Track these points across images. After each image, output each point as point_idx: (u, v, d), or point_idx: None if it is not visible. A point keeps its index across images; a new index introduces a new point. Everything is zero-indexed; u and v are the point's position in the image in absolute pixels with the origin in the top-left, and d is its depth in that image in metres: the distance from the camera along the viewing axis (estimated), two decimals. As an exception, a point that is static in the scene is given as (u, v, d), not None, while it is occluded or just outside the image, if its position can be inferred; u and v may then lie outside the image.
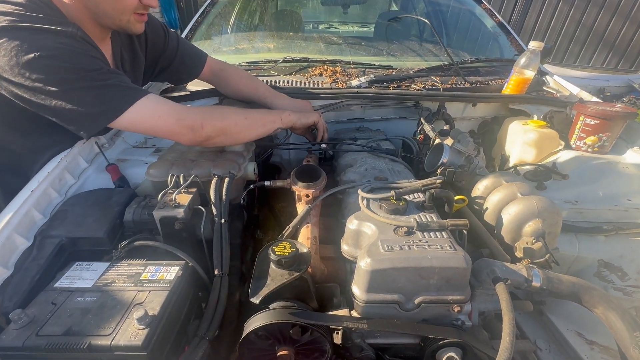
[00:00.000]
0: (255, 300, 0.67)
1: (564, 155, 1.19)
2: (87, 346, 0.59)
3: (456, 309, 0.69)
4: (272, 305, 0.71)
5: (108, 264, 0.76)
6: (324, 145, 1.22)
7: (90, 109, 0.83)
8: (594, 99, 1.39)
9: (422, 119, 1.32)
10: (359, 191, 0.86)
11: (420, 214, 0.80)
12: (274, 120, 1.10)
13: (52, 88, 0.79)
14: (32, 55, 0.77)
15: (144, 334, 0.60)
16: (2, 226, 0.76)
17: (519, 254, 0.82)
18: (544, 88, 1.57)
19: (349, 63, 1.57)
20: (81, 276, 0.73)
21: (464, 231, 0.78)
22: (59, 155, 0.95)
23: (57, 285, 0.71)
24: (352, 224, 0.80)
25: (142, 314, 0.61)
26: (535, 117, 1.37)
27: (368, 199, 0.84)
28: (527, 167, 1.19)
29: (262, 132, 1.08)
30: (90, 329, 0.61)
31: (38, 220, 0.84)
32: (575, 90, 1.50)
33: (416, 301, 0.69)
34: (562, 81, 1.58)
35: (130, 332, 0.61)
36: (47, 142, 0.99)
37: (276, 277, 0.69)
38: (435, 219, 0.78)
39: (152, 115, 0.88)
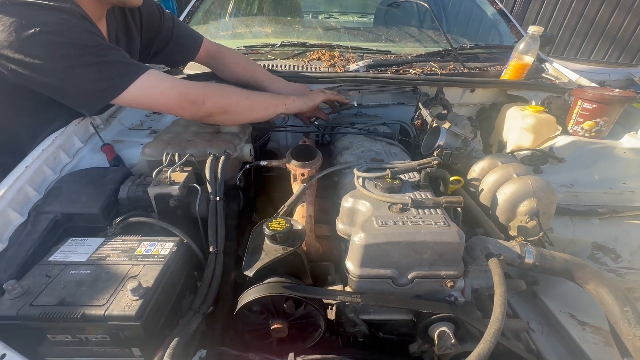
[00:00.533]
0: (249, 273, 0.67)
1: (560, 140, 1.19)
2: (80, 316, 0.59)
3: (449, 284, 0.70)
4: (266, 281, 0.71)
5: (102, 239, 0.76)
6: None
7: (93, 85, 0.83)
8: (593, 84, 1.39)
9: (420, 104, 1.31)
10: (355, 170, 0.86)
11: (415, 192, 0.80)
12: (277, 105, 1.09)
13: (53, 65, 0.79)
14: (32, 30, 0.76)
15: (137, 304, 0.61)
16: (-4, 201, 0.76)
17: (512, 232, 0.82)
18: (543, 75, 1.57)
19: (347, 48, 1.56)
20: (76, 251, 0.73)
21: (459, 209, 0.78)
22: (54, 134, 0.95)
23: (51, 259, 0.71)
24: (347, 202, 0.80)
25: (135, 285, 0.61)
26: (534, 103, 1.36)
27: (364, 178, 0.84)
28: (524, 152, 1.19)
29: (264, 115, 1.07)
30: (84, 300, 0.62)
31: (32, 197, 0.84)
32: (574, 77, 1.49)
33: (409, 276, 0.69)
34: (561, 68, 1.57)
35: (124, 303, 0.61)
36: (46, 121, 0.98)
37: (270, 251, 0.69)
38: (430, 197, 0.78)
39: (155, 90, 0.88)
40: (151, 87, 0.88)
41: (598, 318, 0.92)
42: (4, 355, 0.55)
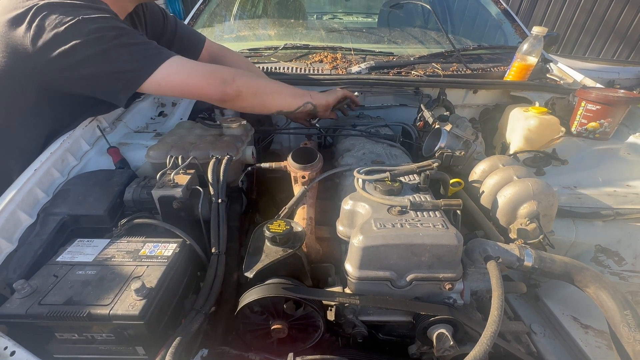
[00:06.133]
0: (249, 274, 0.68)
1: (564, 142, 1.18)
2: (86, 315, 0.61)
3: (447, 287, 0.70)
4: (266, 282, 0.72)
5: (108, 240, 0.78)
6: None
7: (128, 65, 0.86)
8: (598, 85, 1.37)
9: (422, 106, 1.32)
10: (355, 172, 0.87)
11: (414, 195, 0.81)
12: (303, 94, 1.08)
13: (90, 51, 0.82)
14: (76, 19, 0.81)
15: (141, 304, 0.62)
16: (6, 202, 0.78)
17: (512, 235, 0.82)
18: (548, 75, 1.55)
19: (350, 50, 1.57)
20: (82, 251, 0.75)
21: (458, 211, 0.78)
22: (62, 137, 0.97)
23: (59, 259, 0.73)
24: (347, 204, 0.80)
25: (139, 285, 0.63)
26: (537, 104, 1.36)
27: (363, 180, 0.85)
28: (527, 153, 1.18)
29: (291, 102, 1.05)
30: (90, 299, 0.63)
31: (41, 199, 0.86)
32: (579, 77, 1.48)
33: (408, 278, 0.70)
34: (566, 68, 1.55)
35: (128, 303, 0.63)
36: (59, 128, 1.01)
37: (270, 253, 0.71)
38: (429, 199, 0.78)
39: (184, 68, 0.90)
40: (181, 65, 0.89)
41: (601, 321, 0.91)
42: (13, 353, 0.57)
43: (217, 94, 0.93)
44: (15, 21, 0.82)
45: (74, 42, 0.81)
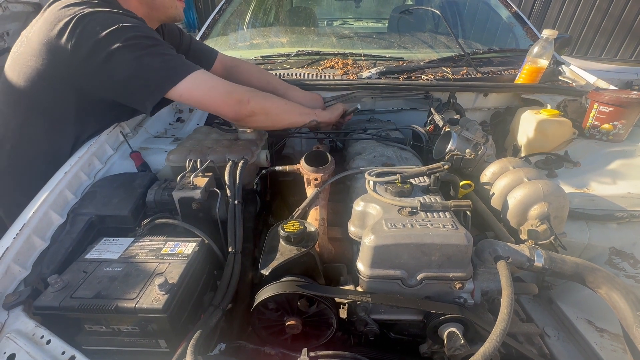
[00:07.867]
0: (265, 271, 0.71)
1: (576, 144, 1.18)
2: (114, 308, 0.65)
3: (458, 286, 0.71)
4: (281, 280, 0.75)
5: (132, 239, 0.83)
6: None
7: (158, 73, 0.92)
8: (611, 87, 1.36)
9: (432, 109, 1.33)
10: (366, 175, 0.89)
11: (424, 196, 0.83)
12: (309, 113, 1.19)
13: (129, 54, 0.89)
14: (116, 26, 0.88)
15: (164, 299, 0.66)
16: (40, 203, 0.84)
17: (523, 236, 0.83)
18: (560, 78, 1.55)
19: (360, 55, 1.60)
20: (108, 249, 0.80)
21: (468, 212, 0.79)
22: (88, 142, 1.04)
23: (87, 256, 0.78)
24: (358, 205, 0.83)
25: (162, 281, 0.67)
26: (549, 107, 1.35)
27: (374, 182, 0.87)
28: (539, 156, 1.18)
29: (298, 120, 1.16)
30: (117, 294, 0.68)
31: (70, 200, 0.92)
32: (592, 79, 1.47)
33: (418, 277, 0.71)
34: (578, 70, 1.54)
35: (152, 297, 0.67)
36: (85, 133, 1.07)
37: (285, 252, 0.74)
38: (439, 201, 0.80)
39: (206, 84, 0.98)
40: (203, 81, 0.97)
41: (616, 325, 0.90)
42: (49, 341, 0.61)
43: (232, 112, 1.02)
44: (59, 31, 0.88)
45: (112, 48, 0.87)
